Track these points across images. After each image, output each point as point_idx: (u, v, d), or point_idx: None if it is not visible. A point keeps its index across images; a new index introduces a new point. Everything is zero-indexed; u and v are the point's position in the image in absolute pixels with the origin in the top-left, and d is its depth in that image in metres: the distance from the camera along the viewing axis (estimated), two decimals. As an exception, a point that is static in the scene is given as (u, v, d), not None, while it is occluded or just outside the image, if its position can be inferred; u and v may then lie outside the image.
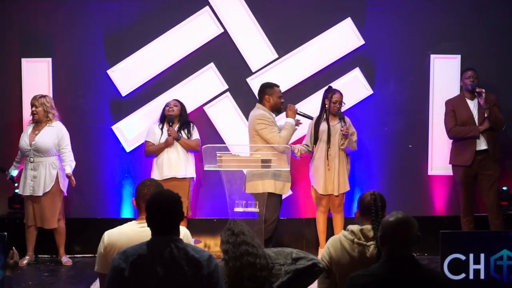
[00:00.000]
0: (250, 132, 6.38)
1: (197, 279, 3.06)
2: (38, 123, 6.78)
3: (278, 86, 6.43)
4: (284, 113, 6.46)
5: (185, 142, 6.78)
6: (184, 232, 3.70)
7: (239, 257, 3.33)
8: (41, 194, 6.67)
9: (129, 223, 3.83)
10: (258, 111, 6.32)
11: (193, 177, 6.87)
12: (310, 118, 6.62)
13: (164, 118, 6.87)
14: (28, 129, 6.83)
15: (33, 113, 6.75)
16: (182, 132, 6.82)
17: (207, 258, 3.11)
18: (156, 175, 6.74)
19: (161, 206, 3.16)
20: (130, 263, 3.06)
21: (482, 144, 6.75)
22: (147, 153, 6.88)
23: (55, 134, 6.76)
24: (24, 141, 6.73)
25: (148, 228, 3.21)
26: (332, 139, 6.65)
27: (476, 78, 6.79)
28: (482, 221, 6.87)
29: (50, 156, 6.74)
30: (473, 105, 6.82)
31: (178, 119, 6.87)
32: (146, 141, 6.90)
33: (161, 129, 6.83)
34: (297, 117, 6.42)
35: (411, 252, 3.12)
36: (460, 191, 6.88)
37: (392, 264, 3.07)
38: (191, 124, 6.91)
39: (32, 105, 6.74)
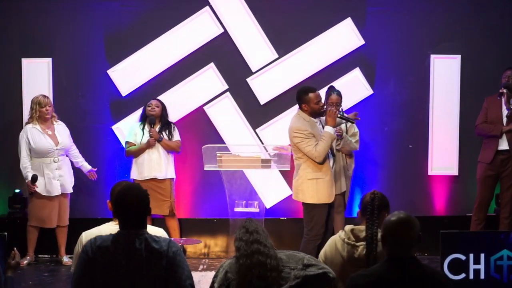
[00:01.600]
0: (290, 140, 5.89)
1: (156, 269, 3.19)
2: (43, 122, 6.78)
3: (313, 91, 5.76)
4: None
5: (166, 143, 6.80)
6: (161, 234, 3.76)
7: (250, 255, 3.32)
8: (72, 191, 6.85)
9: (107, 223, 3.91)
10: (296, 122, 5.75)
11: (173, 178, 6.90)
12: (352, 121, 6.20)
13: (145, 118, 6.88)
14: (34, 130, 6.74)
15: (46, 113, 6.74)
16: (163, 133, 6.83)
17: (166, 248, 3.24)
18: (135, 175, 6.81)
19: (128, 202, 3.27)
20: (98, 253, 3.20)
21: (504, 144, 6.71)
22: (127, 153, 6.89)
23: (67, 133, 6.91)
24: (48, 142, 6.72)
25: None
26: None
27: None
28: (492, 221, 6.87)
29: (65, 154, 6.89)
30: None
31: (159, 119, 6.88)
32: (126, 141, 6.91)
33: (142, 129, 6.84)
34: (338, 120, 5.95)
35: (412, 252, 3.10)
36: (478, 188, 6.84)
37: (393, 264, 3.06)
38: (172, 125, 6.93)
39: (46, 104, 6.74)
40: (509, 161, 6.72)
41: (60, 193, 6.74)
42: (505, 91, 6.68)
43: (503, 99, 6.79)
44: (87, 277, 3.19)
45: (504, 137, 6.71)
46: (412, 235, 3.08)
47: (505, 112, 6.74)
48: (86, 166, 6.98)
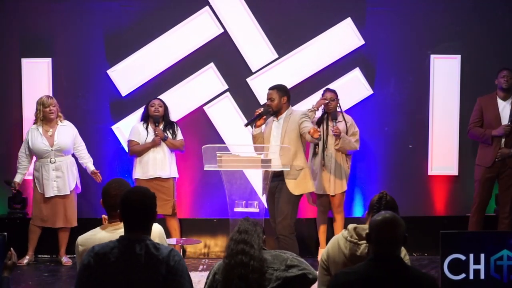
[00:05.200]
0: None
1: (155, 276, 3.12)
2: (47, 123, 6.79)
3: (268, 89, 6.14)
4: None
5: (171, 142, 6.82)
6: (159, 232, 3.70)
7: (234, 255, 3.32)
8: (68, 193, 6.77)
9: (102, 228, 3.71)
10: None
11: (175, 177, 6.92)
12: (254, 122, 6.14)
13: (147, 117, 6.89)
14: (34, 131, 6.77)
15: (50, 113, 6.75)
16: (167, 132, 6.85)
17: (166, 255, 3.15)
18: (138, 174, 6.80)
19: (134, 204, 3.21)
20: (97, 260, 3.14)
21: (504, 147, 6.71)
22: (131, 152, 6.89)
23: (70, 133, 6.87)
24: (43, 143, 6.73)
25: (121, 231, 3.25)
26: (328, 139, 6.67)
27: (511, 78, 6.75)
28: (490, 221, 6.86)
29: (69, 155, 6.86)
30: (503, 105, 6.77)
31: (162, 119, 6.90)
32: (129, 140, 6.89)
33: (146, 128, 6.85)
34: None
35: (397, 252, 3.10)
36: (476, 189, 6.83)
37: (377, 263, 3.06)
38: (175, 125, 6.95)
39: (49, 104, 6.74)
40: (509, 161, 6.71)
41: (55, 194, 6.72)
42: None
43: (498, 99, 6.77)
44: (88, 285, 3.14)
45: (502, 141, 6.68)
46: (397, 234, 3.08)
47: (503, 111, 6.72)
48: (90, 167, 6.92)
